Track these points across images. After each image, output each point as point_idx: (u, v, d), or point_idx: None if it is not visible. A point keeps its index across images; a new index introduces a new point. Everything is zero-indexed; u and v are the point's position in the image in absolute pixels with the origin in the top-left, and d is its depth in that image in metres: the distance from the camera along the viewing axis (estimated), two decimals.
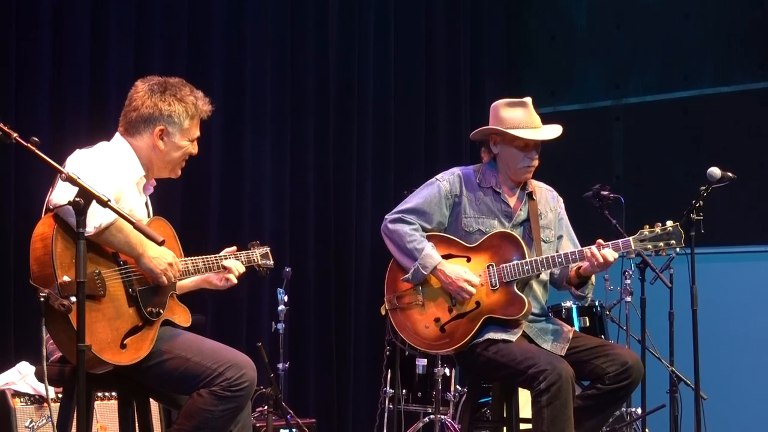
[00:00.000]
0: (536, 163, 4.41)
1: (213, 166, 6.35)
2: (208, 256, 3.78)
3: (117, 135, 3.74)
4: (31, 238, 3.37)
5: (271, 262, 4.08)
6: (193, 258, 3.72)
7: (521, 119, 4.36)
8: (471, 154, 7.65)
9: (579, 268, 4.33)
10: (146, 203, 3.79)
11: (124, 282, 3.46)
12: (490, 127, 4.42)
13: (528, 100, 4.42)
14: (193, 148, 3.79)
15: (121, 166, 3.61)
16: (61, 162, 3.41)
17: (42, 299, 3.20)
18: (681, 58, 7.73)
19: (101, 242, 3.40)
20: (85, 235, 3.11)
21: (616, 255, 4.20)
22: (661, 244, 4.22)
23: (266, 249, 4.06)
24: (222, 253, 3.86)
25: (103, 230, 3.37)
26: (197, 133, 3.79)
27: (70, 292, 3.19)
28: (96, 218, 3.33)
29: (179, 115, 3.70)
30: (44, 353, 3.23)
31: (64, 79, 5.66)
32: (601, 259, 4.16)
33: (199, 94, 3.78)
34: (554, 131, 4.40)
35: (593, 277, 4.39)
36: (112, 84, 5.81)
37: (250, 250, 4.00)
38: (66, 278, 3.24)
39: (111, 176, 3.50)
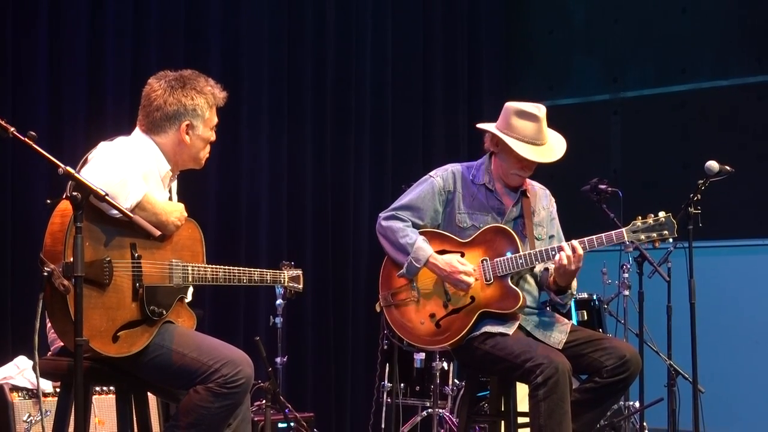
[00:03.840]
0: (529, 174, 4.39)
1: (210, 162, 6.26)
2: (230, 267, 3.74)
3: (138, 131, 3.72)
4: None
5: (300, 286, 4.06)
6: (213, 266, 3.70)
7: (527, 133, 4.28)
8: (469, 149, 7.65)
9: (553, 277, 4.30)
10: (170, 197, 3.79)
11: (134, 276, 3.45)
12: (495, 131, 4.36)
13: (542, 113, 4.31)
14: (213, 136, 3.82)
15: (145, 160, 3.62)
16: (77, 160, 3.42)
17: (45, 274, 3.21)
18: (678, 51, 7.73)
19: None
20: (125, 210, 3.25)
21: (580, 248, 4.16)
22: (654, 234, 4.20)
23: (298, 272, 4.05)
24: (246, 269, 3.81)
25: (135, 206, 3.40)
26: (216, 119, 3.81)
27: (73, 273, 3.19)
28: (133, 195, 3.38)
29: (202, 107, 3.72)
30: (36, 342, 3.21)
31: (62, 73, 5.66)
32: (569, 251, 4.14)
33: (212, 83, 3.80)
34: (555, 153, 4.32)
35: (574, 284, 4.35)
36: (110, 79, 5.82)
37: (281, 269, 4.00)
38: (72, 259, 3.22)
39: (136, 170, 3.51)
